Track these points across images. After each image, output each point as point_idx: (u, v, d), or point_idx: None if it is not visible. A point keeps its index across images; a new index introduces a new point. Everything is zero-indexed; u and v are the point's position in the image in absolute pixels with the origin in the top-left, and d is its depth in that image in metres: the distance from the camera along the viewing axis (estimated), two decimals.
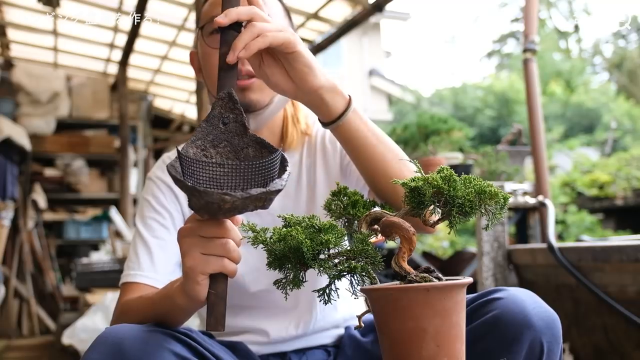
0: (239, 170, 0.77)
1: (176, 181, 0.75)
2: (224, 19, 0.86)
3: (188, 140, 0.81)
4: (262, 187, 0.76)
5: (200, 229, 0.81)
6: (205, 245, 0.80)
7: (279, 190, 0.77)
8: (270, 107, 1.15)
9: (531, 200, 2.65)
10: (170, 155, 1.26)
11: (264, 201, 0.76)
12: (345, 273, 0.76)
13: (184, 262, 0.81)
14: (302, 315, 1.19)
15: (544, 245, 2.24)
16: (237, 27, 0.87)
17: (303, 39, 4.57)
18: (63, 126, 5.73)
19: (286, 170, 0.79)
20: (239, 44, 0.85)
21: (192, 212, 1.18)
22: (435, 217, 0.78)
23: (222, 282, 0.81)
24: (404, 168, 0.99)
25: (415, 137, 2.76)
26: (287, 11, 1.19)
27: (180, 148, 0.79)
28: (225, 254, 0.80)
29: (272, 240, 0.78)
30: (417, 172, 0.79)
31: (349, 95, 0.96)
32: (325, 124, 0.97)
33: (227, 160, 0.83)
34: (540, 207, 2.66)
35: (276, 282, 0.79)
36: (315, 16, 4.24)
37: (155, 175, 1.22)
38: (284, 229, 0.78)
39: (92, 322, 3.08)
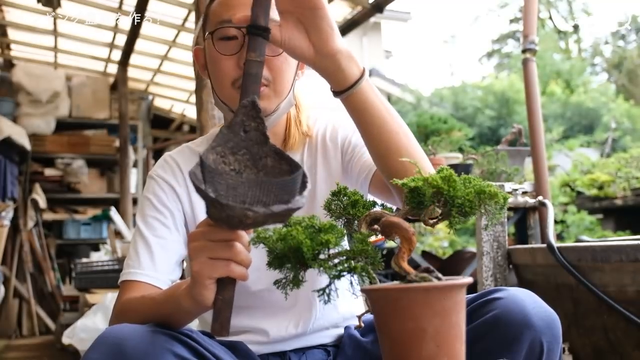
0: (263, 185, 0.77)
1: (198, 190, 0.75)
2: None
3: (208, 146, 0.81)
4: (284, 204, 0.76)
5: (209, 234, 0.80)
6: (212, 249, 0.80)
7: (299, 208, 0.77)
8: (277, 113, 1.15)
9: (531, 200, 2.65)
10: (172, 155, 1.26)
11: (283, 217, 0.76)
12: (345, 273, 0.76)
13: (192, 266, 0.81)
14: (301, 313, 1.19)
15: (543, 245, 2.24)
16: (265, 33, 0.87)
17: None
18: (63, 126, 5.73)
19: (306, 187, 0.79)
20: None
21: (195, 212, 1.19)
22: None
23: (230, 288, 0.81)
24: (415, 145, 0.99)
25: (415, 137, 2.76)
26: None
27: (201, 154, 0.79)
28: (232, 257, 0.80)
29: (272, 239, 0.78)
30: (417, 171, 0.80)
31: (363, 66, 0.96)
32: (338, 93, 0.96)
33: (246, 169, 0.82)
34: (540, 207, 2.67)
35: (276, 282, 0.79)
36: None
37: (156, 173, 1.22)
38: (284, 229, 0.78)
39: (92, 322, 3.08)
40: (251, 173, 0.83)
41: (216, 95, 1.17)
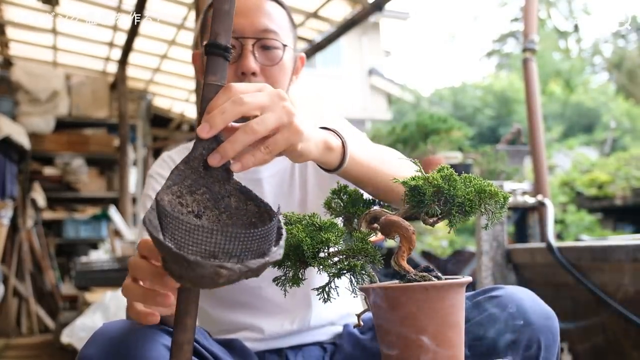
0: (227, 233, 0.65)
1: (155, 241, 0.62)
2: (207, 132, 0.69)
3: (163, 185, 0.69)
4: (261, 258, 0.64)
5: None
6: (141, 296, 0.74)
7: (277, 261, 0.67)
8: None
9: (530, 200, 2.66)
10: (170, 154, 1.26)
11: (257, 272, 0.63)
12: (344, 271, 0.76)
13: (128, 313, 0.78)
14: (298, 311, 1.19)
15: (543, 245, 2.24)
16: (226, 53, 0.76)
17: (302, 39, 4.58)
18: (62, 125, 5.72)
19: (282, 236, 0.68)
20: (230, 150, 0.70)
21: None
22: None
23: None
24: (400, 167, 0.98)
25: (415, 136, 2.76)
26: (292, 21, 1.19)
27: (158, 197, 0.67)
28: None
29: None
30: (417, 170, 0.80)
31: (342, 140, 0.87)
32: (331, 171, 0.91)
33: (206, 210, 0.71)
34: (540, 207, 2.67)
35: (275, 280, 0.79)
36: (315, 15, 4.24)
37: (155, 172, 1.22)
38: (284, 227, 0.78)
39: (91, 321, 3.08)
40: (212, 215, 0.71)
41: None
